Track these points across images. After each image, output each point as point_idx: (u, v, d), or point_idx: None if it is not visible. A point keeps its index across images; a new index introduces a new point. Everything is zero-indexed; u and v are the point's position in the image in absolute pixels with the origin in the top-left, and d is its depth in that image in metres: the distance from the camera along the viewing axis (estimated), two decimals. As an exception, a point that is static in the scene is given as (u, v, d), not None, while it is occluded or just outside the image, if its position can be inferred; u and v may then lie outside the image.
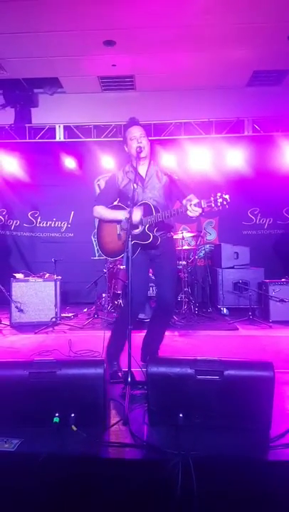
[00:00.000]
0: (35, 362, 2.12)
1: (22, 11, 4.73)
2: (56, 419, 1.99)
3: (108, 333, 3.16)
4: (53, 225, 7.41)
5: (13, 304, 5.26)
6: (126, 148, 3.04)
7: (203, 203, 2.64)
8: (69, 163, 7.12)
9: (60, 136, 7.08)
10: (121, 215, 2.92)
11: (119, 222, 2.97)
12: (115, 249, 3.03)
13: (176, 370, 2.02)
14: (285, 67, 6.26)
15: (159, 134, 6.88)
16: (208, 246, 7.07)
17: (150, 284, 5.09)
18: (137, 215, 2.84)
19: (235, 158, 6.83)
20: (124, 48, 5.64)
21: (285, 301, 5.25)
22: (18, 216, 7.37)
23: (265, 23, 5.04)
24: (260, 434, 1.99)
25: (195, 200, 2.67)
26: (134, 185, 2.76)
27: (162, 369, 2.04)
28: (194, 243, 6.54)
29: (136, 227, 2.86)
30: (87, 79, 6.57)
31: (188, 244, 6.28)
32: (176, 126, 6.98)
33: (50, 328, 5.07)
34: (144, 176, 3.02)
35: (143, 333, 3.25)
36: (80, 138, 7.08)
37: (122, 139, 3.16)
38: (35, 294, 5.37)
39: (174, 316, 5.24)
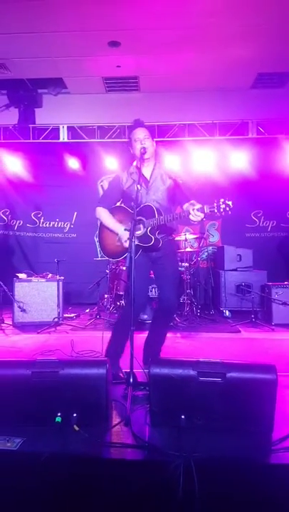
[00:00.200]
0: (38, 361, 2.12)
1: (27, 11, 4.75)
2: (58, 419, 1.99)
3: (107, 334, 3.16)
4: (56, 226, 7.41)
5: (15, 304, 5.27)
6: (131, 150, 3.06)
7: (206, 209, 2.64)
8: (72, 163, 7.13)
9: (63, 136, 7.11)
10: (120, 231, 2.94)
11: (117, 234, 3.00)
12: (117, 250, 3.04)
13: (179, 371, 2.02)
14: (290, 70, 6.26)
15: (163, 136, 6.89)
16: (210, 248, 7.05)
17: (152, 286, 5.12)
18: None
19: (239, 160, 6.83)
20: (128, 49, 5.65)
21: (288, 304, 5.23)
22: (21, 216, 7.38)
23: (269, 25, 5.04)
24: (262, 437, 1.99)
25: (198, 205, 2.67)
26: (138, 186, 2.76)
27: (164, 370, 2.04)
28: (197, 245, 6.54)
29: (138, 229, 2.87)
30: (92, 79, 6.58)
31: (191, 246, 6.28)
32: (180, 128, 6.99)
33: (53, 328, 5.09)
34: (148, 177, 3.02)
35: (144, 334, 3.24)
36: (84, 139, 7.11)
37: (125, 140, 3.17)
38: (38, 294, 5.39)
39: (176, 318, 5.24)
